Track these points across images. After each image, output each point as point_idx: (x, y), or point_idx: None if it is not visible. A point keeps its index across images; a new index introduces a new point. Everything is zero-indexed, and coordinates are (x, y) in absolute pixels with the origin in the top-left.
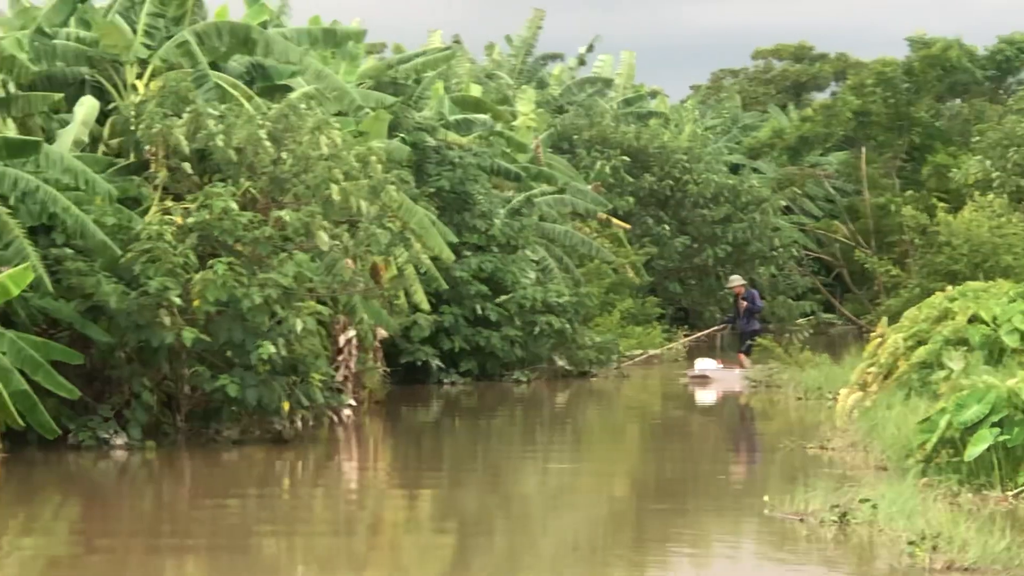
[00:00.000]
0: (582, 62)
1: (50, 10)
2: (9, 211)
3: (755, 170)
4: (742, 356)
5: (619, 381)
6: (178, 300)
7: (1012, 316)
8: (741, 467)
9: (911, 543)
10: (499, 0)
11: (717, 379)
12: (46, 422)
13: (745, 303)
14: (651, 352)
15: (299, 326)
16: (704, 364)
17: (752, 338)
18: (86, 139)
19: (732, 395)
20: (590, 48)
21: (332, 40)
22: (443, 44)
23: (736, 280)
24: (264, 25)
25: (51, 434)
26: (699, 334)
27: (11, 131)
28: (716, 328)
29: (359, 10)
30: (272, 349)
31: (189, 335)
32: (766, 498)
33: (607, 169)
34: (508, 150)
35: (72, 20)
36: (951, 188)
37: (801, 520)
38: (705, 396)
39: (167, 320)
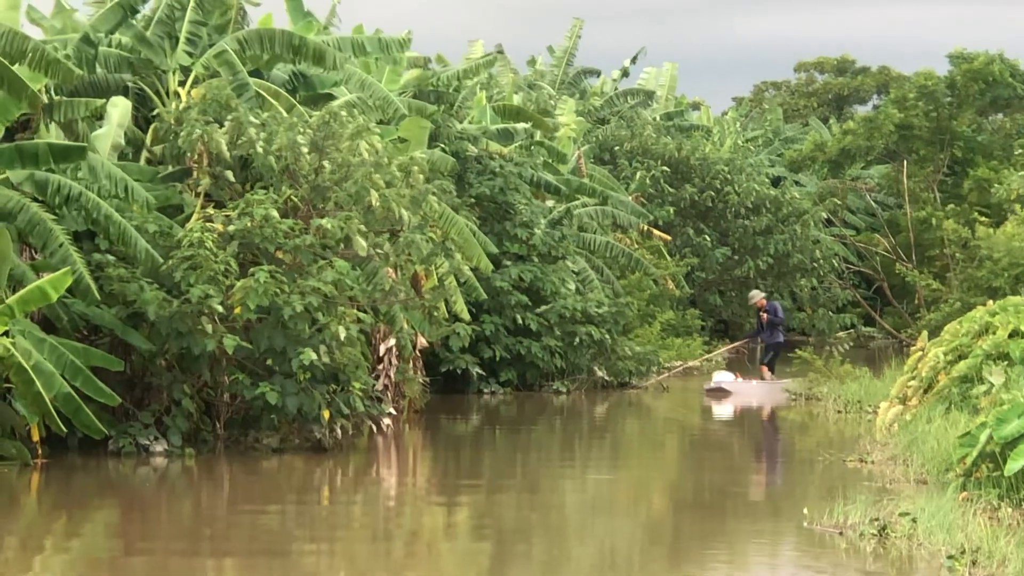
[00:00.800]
0: (626, 74)
1: (98, 19)
2: (54, 217)
3: (796, 182)
4: (764, 368)
5: (658, 392)
6: (219, 308)
7: None
8: (780, 479)
9: (950, 557)
10: (541, 12)
11: (734, 392)
12: (92, 423)
13: (767, 316)
14: (687, 363)
15: (342, 333)
16: (721, 377)
17: (776, 351)
18: (123, 142)
19: (752, 408)
20: (634, 60)
21: (377, 48)
22: (484, 54)
23: (757, 295)
24: (309, 31)
25: (98, 434)
26: (722, 349)
27: (54, 136)
28: (740, 343)
29: (403, 21)
30: (313, 356)
31: (231, 342)
32: (805, 510)
33: (648, 180)
34: (549, 160)
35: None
36: (992, 202)
37: (840, 533)
38: (723, 409)
39: (209, 328)
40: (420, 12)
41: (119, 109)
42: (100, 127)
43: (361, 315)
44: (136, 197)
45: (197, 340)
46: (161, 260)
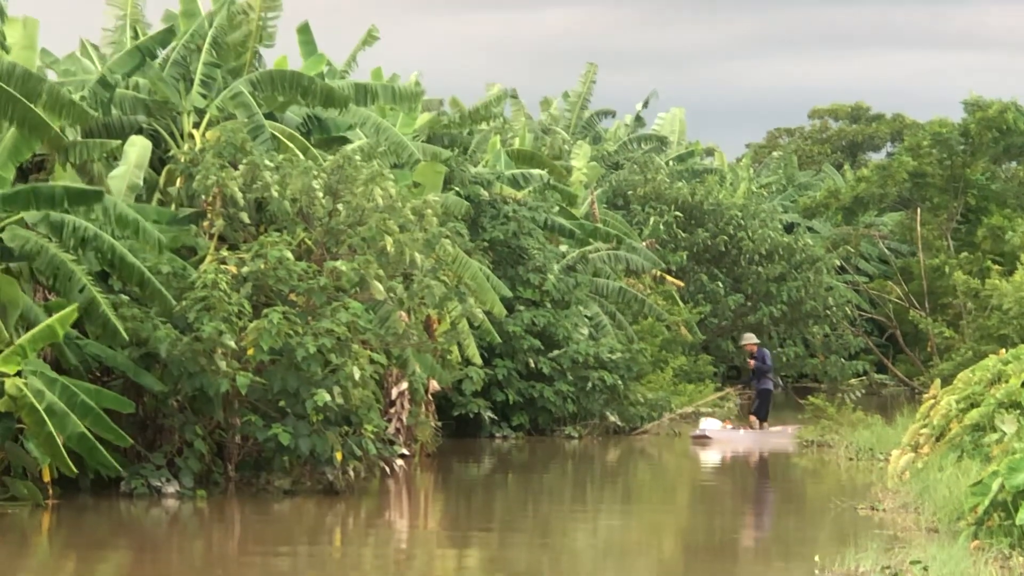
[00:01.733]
0: (639, 119)
1: (115, 62)
2: (72, 258)
3: (810, 229)
4: (752, 418)
5: (670, 438)
6: (232, 344)
7: None
8: (791, 526)
9: None
10: (556, 58)
11: (719, 440)
12: (106, 461)
13: (754, 362)
14: (679, 412)
15: (357, 373)
16: (707, 424)
17: (763, 399)
18: (140, 182)
19: (741, 455)
20: (646, 104)
21: (389, 97)
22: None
23: (750, 338)
24: (321, 76)
25: (112, 472)
26: (712, 396)
27: (69, 176)
28: (731, 390)
29: (418, 63)
30: (327, 397)
31: (243, 380)
32: (816, 558)
33: (661, 226)
34: (563, 205)
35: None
36: (1006, 250)
37: None
38: (709, 456)
39: (223, 364)
40: (435, 56)
41: (137, 149)
42: (115, 168)
43: (375, 355)
44: (148, 239)
45: (210, 380)
46: (174, 302)
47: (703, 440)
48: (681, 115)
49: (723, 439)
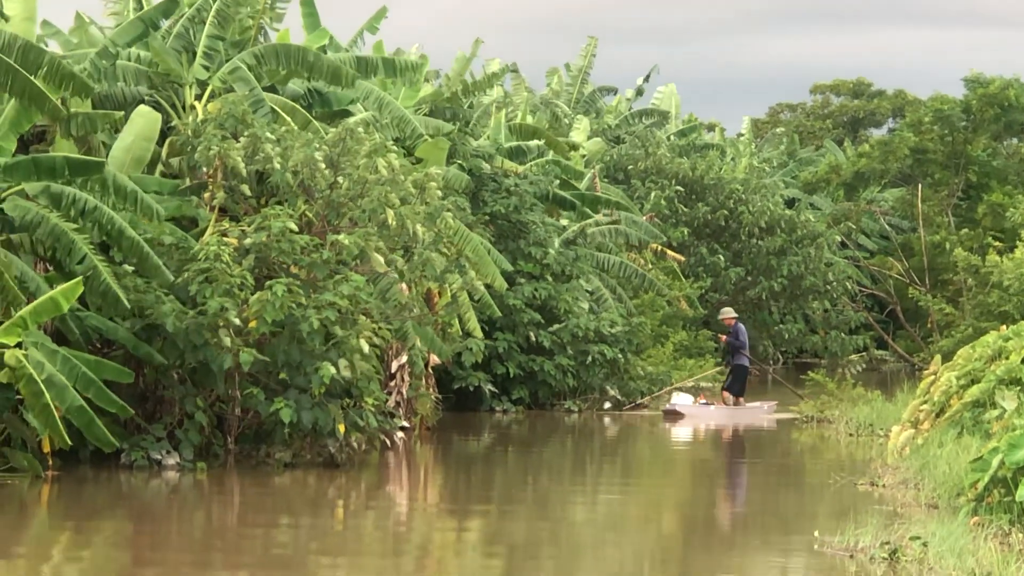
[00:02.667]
0: (640, 93)
1: (117, 32)
2: (75, 228)
3: (811, 205)
4: (725, 394)
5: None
6: (236, 320)
7: None
8: (790, 501)
9: None
10: (555, 30)
11: (690, 415)
12: (104, 436)
13: (726, 338)
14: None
15: (365, 346)
16: (679, 399)
17: (737, 375)
18: (148, 154)
19: (711, 431)
20: (647, 78)
21: (391, 70)
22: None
23: (727, 312)
24: (323, 50)
25: (109, 447)
26: (696, 377)
27: (70, 148)
28: (713, 371)
29: (417, 38)
30: (333, 371)
31: (247, 357)
32: (816, 533)
33: (662, 200)
34: (564, 178)
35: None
36: (1006, 227)
37: (851, 556)
38: (680, 432)
39: (227, 340)
40: (433, 29)
41: (144, 120)
42: (118, 139)
43: (380, 327)
44: (146, 210)
45: (214, 354)
46: (171, 276)
47: (674, 415)
48: (674, 90)
49: (695, 415)
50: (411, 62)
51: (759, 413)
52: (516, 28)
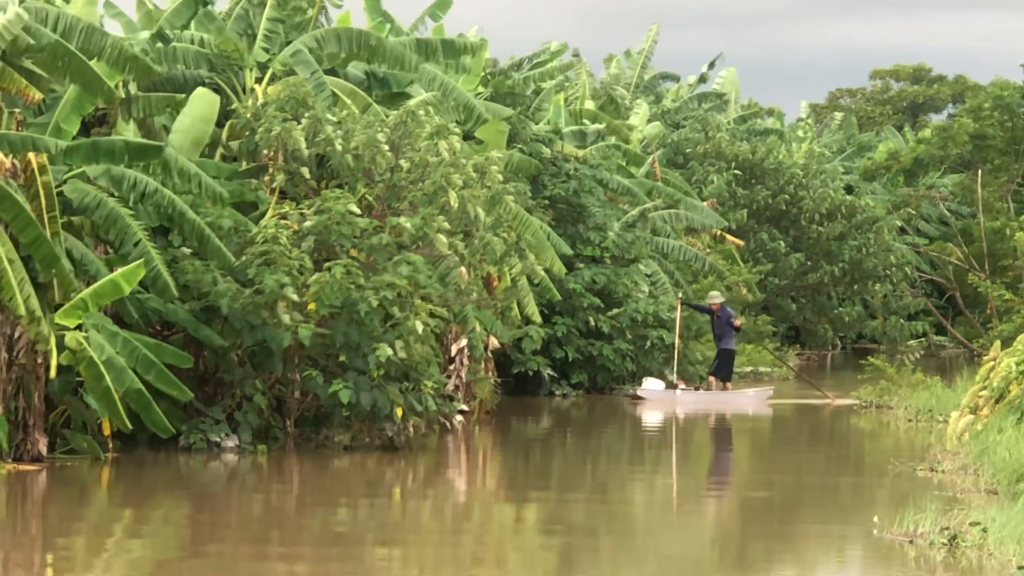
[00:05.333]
0: (704, 79)
1: (171, 13)
2: (131, 212)
3: (871, 191)
4: (712, 378)
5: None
6: (295, 297)
7: None
8: (849, 487)
9: (1021, 568)
10: (615, 15)
11: (655, 400)
12: (160, 421)
13: (719, 320)
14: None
15: (419, 327)
16: (648, 384)
17: (723, 359)
18: (207, 137)
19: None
20: (712, 65)
21: (451, 52)
22: (559, 54)
23: (715, 296)
24: (384, 34)
25: (165, 433)
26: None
27: (131, 131)
28: (677, 304)
29: (477, 20)
30: (389, 352)
31: (306, 332)
32: (875, 518)
33: (722, 184)
34: (624, 163)
35: (193, 23)
36: None
37: (910, 541)
38: (652, 417)
39: (286, 317)
40: (494, 14)
41: (204, 102)
42: (179, 121)
43: (436, 309)
44: (207, 193)
45: (272, 333)
46: (233, 258)
47: (637, 400)
48: (734, 75)
49: (662, 400)
50: (471, 43)
51: (743, 399)
52: (576, 13)
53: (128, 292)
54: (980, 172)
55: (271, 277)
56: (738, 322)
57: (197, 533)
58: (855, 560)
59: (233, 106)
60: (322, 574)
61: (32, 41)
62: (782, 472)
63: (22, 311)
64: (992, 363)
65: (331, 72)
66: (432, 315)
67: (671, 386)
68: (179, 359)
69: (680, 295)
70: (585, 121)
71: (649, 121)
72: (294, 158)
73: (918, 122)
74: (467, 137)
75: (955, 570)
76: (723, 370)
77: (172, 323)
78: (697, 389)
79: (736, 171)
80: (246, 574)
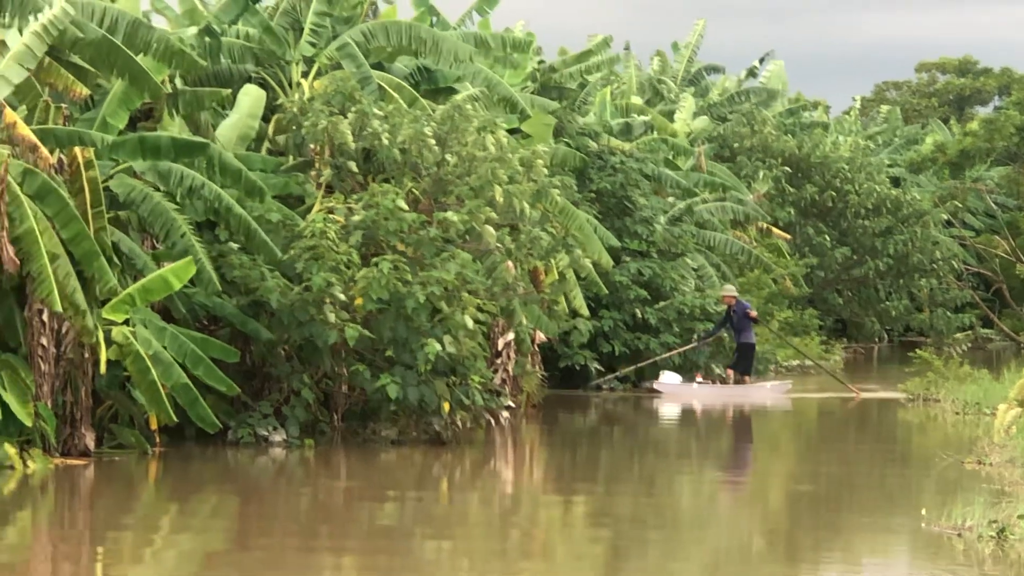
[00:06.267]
0: (752, 74)
1: (220, 9)
2: (176, 207)
3: (917, 184)
4: (730, 372)
5: (797, 390)
6: (341, 296)
7: None
8: (897, 479)
9: None
10: (659, 5)
11: (674, 394)
12: (207, 416)
13: (737, 315)
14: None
15: (469, 322)
16: (665, 378)
17: (743, 352)
18: (253, 132)
19: (698, 410)
20: (762, 60)
21: (499, 47)
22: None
23: (729, 290)
24: (431, 28)
25: (211, 428)
26: (672, 352)
27: (177, 126)
28: (692, 345)
29: (522, 12)
30: (438, 347)
31: (352, 332)
32: (923, 511)
33: (769, 180)
34: (670, 157)
35: (240, 19)
36: None
37: (959, 534)
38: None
39: (332, 316)
40: (541, 6)
41: (250, 98)
42: (225, 116)
43: (484, 304)
44: (251, 188)
45: (319, 330)
46: (279, 252)
47: (655, 393)
48: (782, 69)
49: (680, 393)
50: (518, 39)
51: (760, 392)
52: (624, 4)
53: (178, 288)
54: None
55: (318, 276)
56: (753, 313)
57: (245, 526)
58: (903, 552)
59: (279, 101)
60: (369, 566)
61: (80, 35)
62: (829, 464)
63: (58, 307)
64: None
65: (378, 66)
66: (480, 310)
67: (689, 379)
68: (226, 353)
69: (696, 337)
70: (633, 115)
71: (695, 115)
72: (341, 152)
73: (964, 115)
74: (513, 131)
75: (1003, 563)
76: (742, 363)
77: (219, 318)
78: (715, 383)
79: (784, 167)
80: (294, 566)
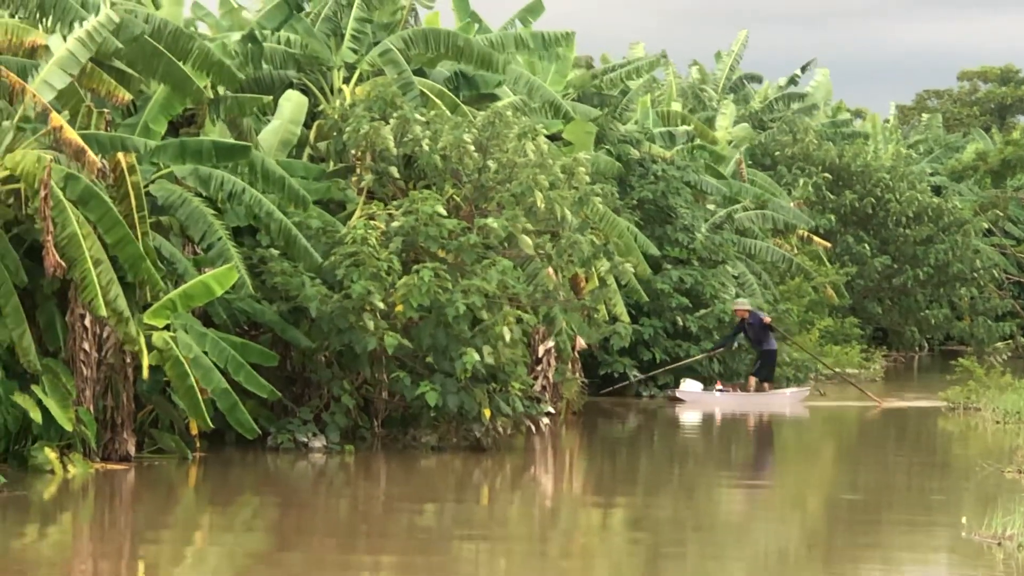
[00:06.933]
0: (794, 82)
1: (263, 16)
2: (215, 213)
3: (958, 192)
4: (752, 379)
5: (815, 398)
6: (381, 304)
7: None
8: (937, 488)
9: None
10: (701, 13)
11: (694, 402)
12: (246, 421)
13: (753, 326)
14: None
15: (507, 335)
16: (687, 386)
17: (764, 360)
18: (294, 138)
19: (717, 417)
20: (804, 68)
21: (540, 44)
22: (646, 56)
23: (742, 303)
24: (473, 34)
25: (251, 434)
26: (684, 361)
27: (219, 132)
28: (701, 356)
29: (565, 23)
30: (476, 357)
31: (392, 341)
32: (963, 519)
33: (810, 187)
34: (711, 164)
35: (283, 25)
36: None
37: (998, 544)
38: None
39: (371, 324)
40: (582, 13)
41: (291, 104)
42: (267, 122)
43: (526, 315)
44: (293, 194)
45: (359, 337)
46: (320, 259)
47: (677, 401)
48: (826, 76)
49: (701, 401)
50: (559, 35)
51: (781, 399)
52: (666, 13)
53: (219, 294)
54: None
55: (358, 284)
56: (767, 319)
57: (285, 530)
58: (942, 561)
59: (321, 107)
60: (408, 566)
61: (121, 44)
62: (868, 473)
63: (102, 312)
64: None
65: (419, 72)
66: (519, 320)
67: (709, 387)
68: (265, 358)
69: (708, 349)
70: (677, 125)
71: (736, 122)
72: (382, 158)
73: (1006, 124)
74: (554, 138)
75: None
76: (764, 370)
77: (259, 323)
78: (735, 390)
79: (825, 175)
80: (334, 566)
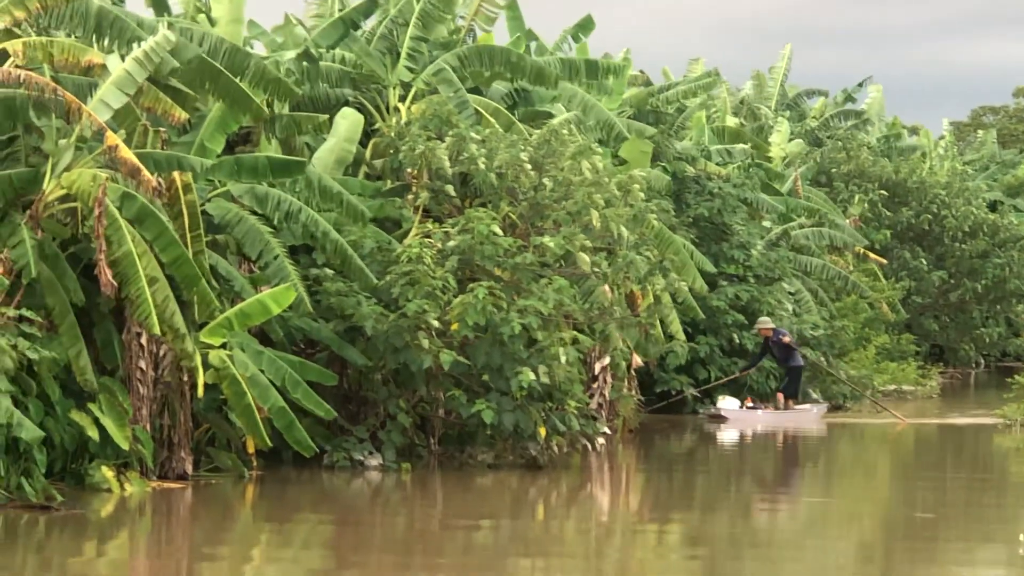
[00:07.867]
0: (850, 99)
1: (319, 34)
2: (271, 231)
3: (1015, 208)
4: (780, 396)
5: (873, 415)
6: (436, 323)
7: None
8: (993, 505)
9: None
10: (757, 30)
11: (734, 419)
12: (303, 439)
13: (778, 342)
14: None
15: (563, 357)
16: (724, 404)
17: (792, 376)
18: (350, 156)
19: (760, 436)
20: (861, 85)
21: (593, 73)
22: (705, 73)
23: (764, 323)
24: (527, 52)
25: (307, 452)
26: (724, 379)
27: (274, 150)
28: (733, 376)
29: (625, 39)
30: (532, 377)
31: (447, 358)
32: (1021, 537)
33: (865, 204)
34: (767, 181)
35: (339, 44)
36: None
37: None
38: (725, 435)
39: (425, 343)
40: (641, 29)
41: (348, 122)
42: (322, 141)
43: (582, 337)
44: (351, 212)
45: (414, 356)
46: (375, 278)
47: (718, 419)
48: (880, 92)
49: (740, 418)
50: (614, 64)
51: (807, 416)
52: (722, 30)
53: (277, 313)
54: None
55: (413, 303)
56: (787, 339)
57: (341, 551)
58: None
59: (376, 125)
60: None
61: (177, 65)
62: (924, 490)
63: (156, 329)
64: None
65: (474, 91)
66: (575, 341)
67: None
68: (323, 377)
69: (736, 372)
70: (732, 138)
71: (791, 139)
72: (438, 176)
73: None
74: (611, 155)
75: None
76: (791, 387)
77: (316, 341)
78: (765, 406)
79: (881, 191)
80: None
